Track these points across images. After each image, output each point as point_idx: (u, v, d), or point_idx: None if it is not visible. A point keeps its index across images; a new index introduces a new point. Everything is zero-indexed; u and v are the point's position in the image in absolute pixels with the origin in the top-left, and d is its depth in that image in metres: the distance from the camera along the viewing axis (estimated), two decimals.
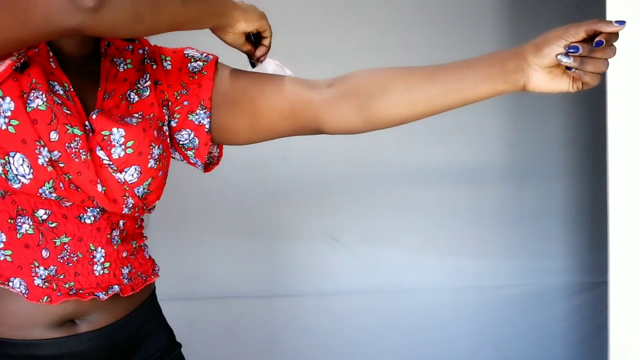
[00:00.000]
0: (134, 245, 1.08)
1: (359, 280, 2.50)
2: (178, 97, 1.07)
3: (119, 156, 0.98)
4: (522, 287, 2.55)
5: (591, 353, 2.51)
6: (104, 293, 1.02)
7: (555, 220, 2.57)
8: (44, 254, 0.98)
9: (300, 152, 2.38)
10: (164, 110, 1.07)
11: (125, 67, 1.05)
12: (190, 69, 1.08)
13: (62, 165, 0.94)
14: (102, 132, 0.98)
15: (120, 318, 1.06)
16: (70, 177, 0.95)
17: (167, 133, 1.06)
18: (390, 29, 2.44)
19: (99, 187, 0.97)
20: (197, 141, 1.08)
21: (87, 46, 1.03)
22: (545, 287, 2.56)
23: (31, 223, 0.97)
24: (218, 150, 1.15)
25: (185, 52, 1.10)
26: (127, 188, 0.99)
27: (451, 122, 2.46)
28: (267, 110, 1.06)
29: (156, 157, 1.01)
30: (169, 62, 1.08)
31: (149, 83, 1.06)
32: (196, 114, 1.07)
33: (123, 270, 1.05)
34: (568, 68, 0.90)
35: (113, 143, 0.98)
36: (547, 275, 2.56)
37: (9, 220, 0.97)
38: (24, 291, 0.98)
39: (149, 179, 1.00)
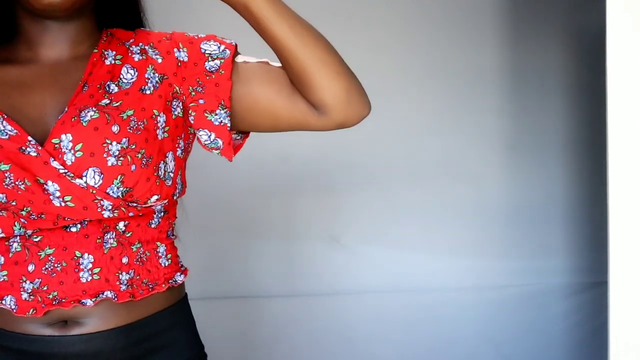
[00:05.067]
0: (139, 250, 1.04)
1: (359, 280, 2.49)
2: (193, 94, 1.04)
3: (71, 162, 0.95)
4: (522, 287, 2.55)
5: (591, 353, 2.50)
6: (91, 300, 0.99)
7: (555, 220, 2.57)
8: (30, 268, 0.98)
9: (300, 151, 2.38)
10: (172, 104, 1.04)
11: (114, 61, 1.03)
12: (207, 67, 1.03)
13: (14, 203, 0.94)
14: (53, 141, 0.96)
15: (118, 326, 1.02)
16: (28, 209, 0.94)
17: (158, 124, 1.02)
18: (391, 30, 2.44)
19: (57, 203, 0.95)
20: (220, 142, 1.05)
21: (79, 48, 1.03)
22: (545, 287, 2.56)
23: (19, 240, 0.98)
24: None
25: (201, 47, 1.05)
26: (95, 192, 0.95)
27: (451, 122, 2.47)
28: (284, 118, 1.05)
29: (116, 153, 0.96)
30: (185, 53, 1.04)
31: (135, 79, 1.03)
32: (216, 114, 1.03)
33: (120, 276, 1.01)
34: None
35: (64, 150, 0.95)
36: (547, 275, 2.56)
37: (6, 243, 0.99)
38: (13, 307, 0.99)
39: (118, 177, 0.96)
